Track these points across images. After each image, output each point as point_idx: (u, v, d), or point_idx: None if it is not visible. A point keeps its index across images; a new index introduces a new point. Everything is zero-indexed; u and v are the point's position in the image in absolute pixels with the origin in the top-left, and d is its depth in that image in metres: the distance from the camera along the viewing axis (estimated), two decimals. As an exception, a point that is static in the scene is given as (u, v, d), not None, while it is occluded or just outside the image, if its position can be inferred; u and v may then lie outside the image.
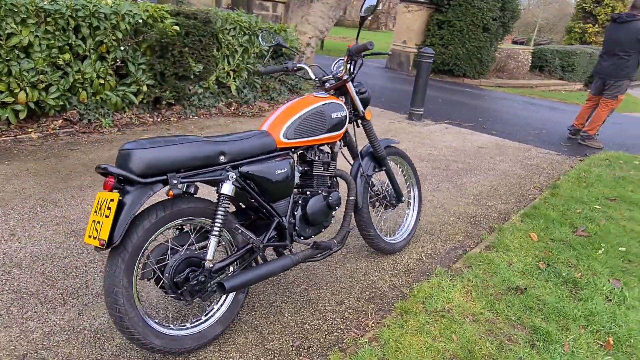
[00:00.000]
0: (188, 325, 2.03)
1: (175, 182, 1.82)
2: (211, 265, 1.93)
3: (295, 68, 2.68)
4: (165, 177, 1.81)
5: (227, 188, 1.95)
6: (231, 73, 6.18)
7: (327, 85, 2.60)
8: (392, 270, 2.85)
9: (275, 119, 2.29)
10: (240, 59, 6.22)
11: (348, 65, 2.54)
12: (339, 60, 2.72)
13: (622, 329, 2.36)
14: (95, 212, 1.77)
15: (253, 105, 6.39)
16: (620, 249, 3.26)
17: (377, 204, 2.98)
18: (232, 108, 6.17)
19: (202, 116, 5.73)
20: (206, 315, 2.09)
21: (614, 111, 6.68)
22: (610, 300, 2.63)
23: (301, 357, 2.03)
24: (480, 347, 2.14)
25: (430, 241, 3.25)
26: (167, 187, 1.79)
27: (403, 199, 3.07)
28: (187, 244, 1.98)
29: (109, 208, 1.71)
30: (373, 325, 2.29)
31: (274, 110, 2.47)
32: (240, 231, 2.08)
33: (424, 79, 6.80)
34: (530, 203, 4.11)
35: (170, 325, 1.99)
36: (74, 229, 2.89)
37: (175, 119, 5.43)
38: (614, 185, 4.72)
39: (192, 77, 5.56)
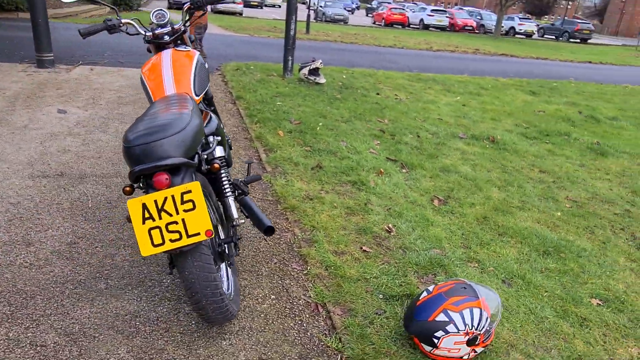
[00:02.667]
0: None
1: (205, 156, 1.82)
2: (242, 221, 2.05)
3: (120, 25, 2.47)
4: (196, 153, 1.78)
5: (219, 150, 2.04)
6: None
7: (167, 38, 2.58)
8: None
9: (176, 80, 2.27)
10: None
11: (187, 16, 2.61)
12: (158, 11, 2.67)
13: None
14: (147, 218, 1.59)
15: None
16: (319, 124, 4.82)
17: None
18: None
19: None
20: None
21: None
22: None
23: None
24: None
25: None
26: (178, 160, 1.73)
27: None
28: None
29: (190, 200, 1.61)
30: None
31: (155, 72, 2.33)
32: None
33: (44, 17, 6.00)
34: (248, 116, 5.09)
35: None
36: None
37: None
38: (263, 84, 6.25)
39: None
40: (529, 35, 31.84)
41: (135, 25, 2.52)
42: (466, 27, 30.22)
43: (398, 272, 2.48)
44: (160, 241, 1.59)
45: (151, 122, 1.71)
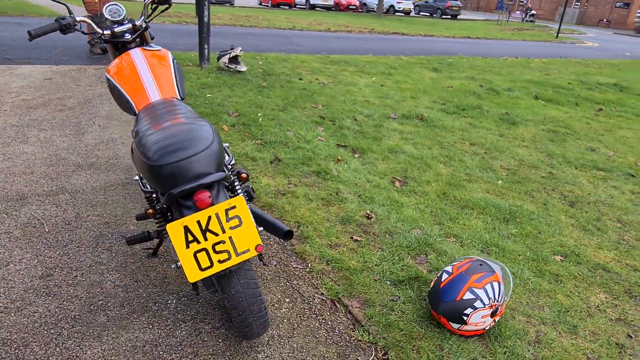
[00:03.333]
0: None
1: (230, 167, 1.72)
2: (260, 228, 1.96)
3: (75, 23, 2.17)
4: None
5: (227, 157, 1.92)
6: None
7: (129, 36, 2.33)
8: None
9: (159, 84, 2.07)
10: None
11: (150, 11, 2.37)
12: (111, 5, 2.38)
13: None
14: (191, 241, 1.48)
15: None
16: (258, 115, 4.71)
17: None
18: None
19: None
20: None
21: None
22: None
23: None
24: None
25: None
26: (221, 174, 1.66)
27: None
28: None
29: (235, 217, 1.51)
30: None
31: (129, 75, 2.08)
32: None
33: None
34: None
35: None
36: None
37: None
38: (184, 76, 5.90)
39: None
40: (407, 12, 33.73)
41: (91, 23, 2.24)
42: (350, 7, 31.17)
43: (394, 257, 2.58)
44: (208, 264, 1.49)
45: (170, 136, 1.57)
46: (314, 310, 2.15)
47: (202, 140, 1.56)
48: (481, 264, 2.04)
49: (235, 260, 1.51)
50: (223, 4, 26.47)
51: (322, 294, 2.26)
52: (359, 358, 1.90)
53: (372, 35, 15.15)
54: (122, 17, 2.37)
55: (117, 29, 2.31)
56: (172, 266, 2.33)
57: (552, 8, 49.83)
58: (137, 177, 1.92)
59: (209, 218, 1.49)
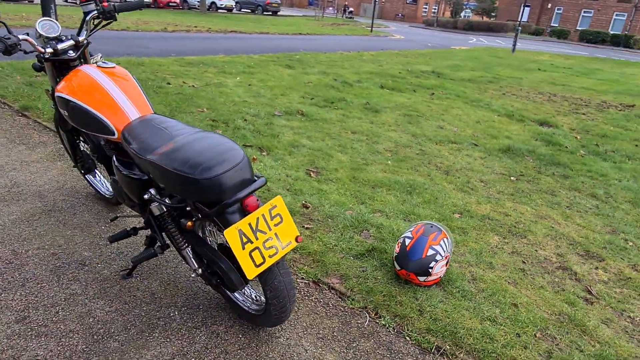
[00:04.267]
0: None
1: None
2: None
3: (19, 43, 2.00)
4: None
5: None
6: None
7: (71, 53, 2.21)
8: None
9: (133, 102, 2.06)
10: None
11: (92, 26, 2.26)
12: (44, 21, 2.20)
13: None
14: (246, 243, 1.64)
15: None
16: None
17: None
18: None
19: None
20: None
21: None
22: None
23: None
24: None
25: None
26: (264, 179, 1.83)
27: None
28: None
29: (277, 215, 1.70)
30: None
31: (97, 95, 2.00)
32: None
33: None
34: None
35: None
36: None
37: None
38: (39, 88, 5.29)
39: None
40: (229, 9, 33.82)
41: (33, 40, 2.09)
42: (170, 4, 29.97)
43: (344, 236, 2.95)
44: (262, 260, 1.67)
45: (207, 149, 1.68)
46: (304, 293, 2.41)
47: (236, 150, 1.70)
48: (431, 226, 2.55)
49: (281, 253, 1.71)
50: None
51: (303, 278, 2.52)
52: (359, 321, 2.24)
53: (210, 34, 15.04)
54: (58, 33, 2.24)
55: (60, 46, 2.19)
56: (192, 275, 2.34)
57: (357, 4, 55.37)
58: (151, 194, 1.87)
59: (257, 219, 1.66)
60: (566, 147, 5.67)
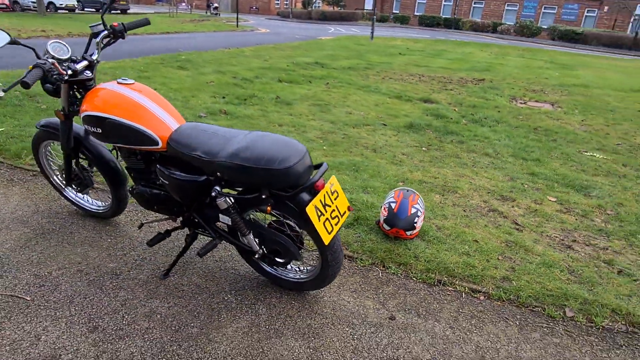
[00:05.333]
0: None
1: None
2: None
3: (51, 67, 2.05)
4: None
5: None
6: None
7: (88, 73, 2.30)
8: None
9: (169, 112, 2.25)
10: None
11: (102, 45, 2.34)
12: (54, 43, 2.23)
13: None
14: (320, 215, 2.03)
15: None
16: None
17: None
18: None
19: None
20: None
21: None
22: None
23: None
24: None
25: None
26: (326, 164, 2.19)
27: None
28: None
29: (335, 191, 2.09)
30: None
31: (134, 111, 2.13)
32: None
33: None
34: None
35: None
36: None
37: None
38: None
39: None
40: (71, 9, 30.86)
41: (57, 65, 2.16)
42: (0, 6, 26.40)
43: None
44: (331, 228, 2.07)
45: (277, 144, 2.01)
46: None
47: (296, 143, 2.05)
48: (407, 190, 3.14)
49: (342, 220, 2.12)
50: None
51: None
52: (375, 273, 2.74)
53: (73, 38, 13.84)
54: (69, 55, 2.30)
55: (78, 67, 2.26)
56: (255, 257, 2.40)
57: (210, -2, 54.35)
58: (217, 192, 2.10)
59: (324, 196, 2.04)
60: (451, 118, 6.77)
